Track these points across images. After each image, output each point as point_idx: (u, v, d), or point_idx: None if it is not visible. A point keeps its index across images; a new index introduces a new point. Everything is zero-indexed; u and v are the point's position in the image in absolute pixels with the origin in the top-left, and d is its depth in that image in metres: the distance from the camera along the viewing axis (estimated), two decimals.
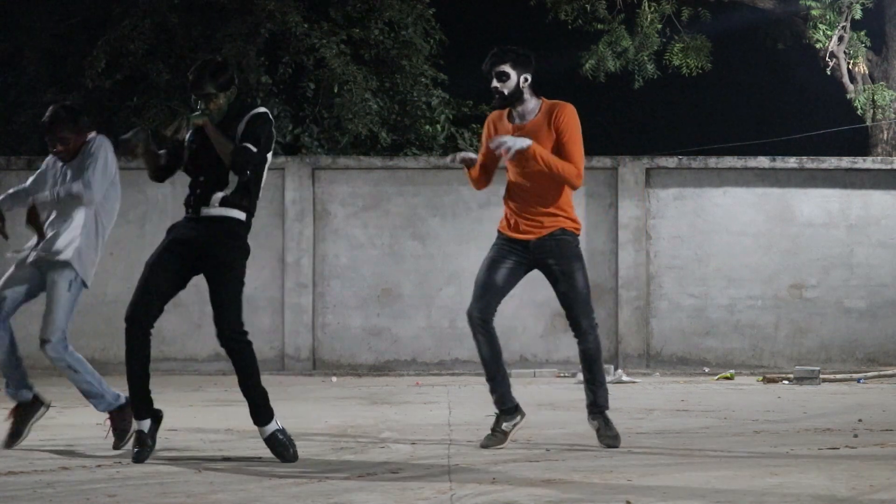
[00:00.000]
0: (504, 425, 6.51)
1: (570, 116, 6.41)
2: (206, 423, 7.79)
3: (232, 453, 6.26)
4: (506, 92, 6.40)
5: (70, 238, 6.47)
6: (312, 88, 15.54)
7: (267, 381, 11.83)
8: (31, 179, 6.77)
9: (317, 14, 15.90)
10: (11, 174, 12.95)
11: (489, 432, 6.54)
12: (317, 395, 10.46)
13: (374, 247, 13.18)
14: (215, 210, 5.96)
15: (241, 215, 6.00)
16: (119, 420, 6.50)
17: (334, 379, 12.23)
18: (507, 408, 6.57)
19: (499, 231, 6.61)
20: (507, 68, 6.39)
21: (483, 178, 6.69)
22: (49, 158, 6.74)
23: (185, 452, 6.26)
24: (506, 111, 6.55)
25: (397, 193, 13.25)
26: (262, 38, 15.12)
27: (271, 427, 5.95)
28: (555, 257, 6.47)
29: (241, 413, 8.47)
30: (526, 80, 6.42)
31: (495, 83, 6.40)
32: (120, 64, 14.71)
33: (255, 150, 5.91)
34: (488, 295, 6.60)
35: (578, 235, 6.57)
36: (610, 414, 6.58)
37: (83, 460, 5.98)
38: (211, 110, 5.96)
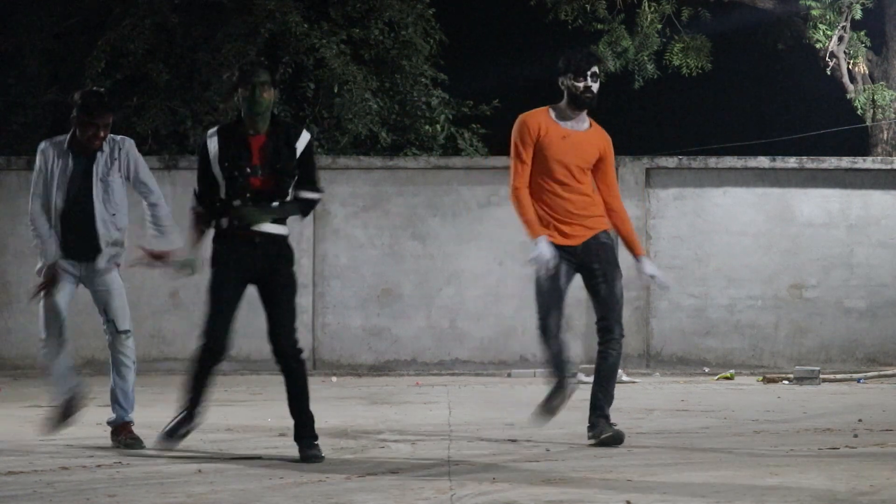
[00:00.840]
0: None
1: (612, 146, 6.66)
2: (206, 422, 7.78)
3: (232, 453, 6.26)
4: (595, 92, 6.45)
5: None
6: (312, 88, 15.54)
7: (267, 380, 11.91)
8: (40, 187, 6.62)
9: (317, 14, 15.89)
10: (11, 174, 12.96)
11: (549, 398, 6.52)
12: (317, 395, 10.40)
13: (374, 247, 13.17)
14: (267, 227, 5.98)
15: (287, 230, 6.07)
16: (131, 430, 6.56)
17: (334, 379, 12.23)
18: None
19: None
20: (598, 70, 6.48)
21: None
22: (46, 158, 6.59)
23: (185, 452, 6.26)
24: (546, 112, 6.52)
25: (397, 193, 13.25)
26: (262, 38, 15.10)
27: (318, 443, 5.99)
28: (600, 262, 6.48)
29: (240, 413, 8.48)
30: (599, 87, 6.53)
31: (589, 82, 6.41)
32: (120, 64, 14.70)
33: (318, 196, 6.08)
34: (561, 300, 6.48)
35: None
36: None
37: (83, 460, 5.98)
38: (265, 99, 5.91)
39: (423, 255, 13.15)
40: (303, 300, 12.96)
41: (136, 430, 6.64)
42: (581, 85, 6.40)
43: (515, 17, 20.19)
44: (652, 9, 17.24)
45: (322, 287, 13.10)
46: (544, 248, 6.34)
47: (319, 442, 6.00)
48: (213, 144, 5.98)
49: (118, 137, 6.69)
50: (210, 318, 6.01)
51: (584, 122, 6.54)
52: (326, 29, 15.52)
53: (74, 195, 6.53)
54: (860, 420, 7.76)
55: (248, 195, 5.91)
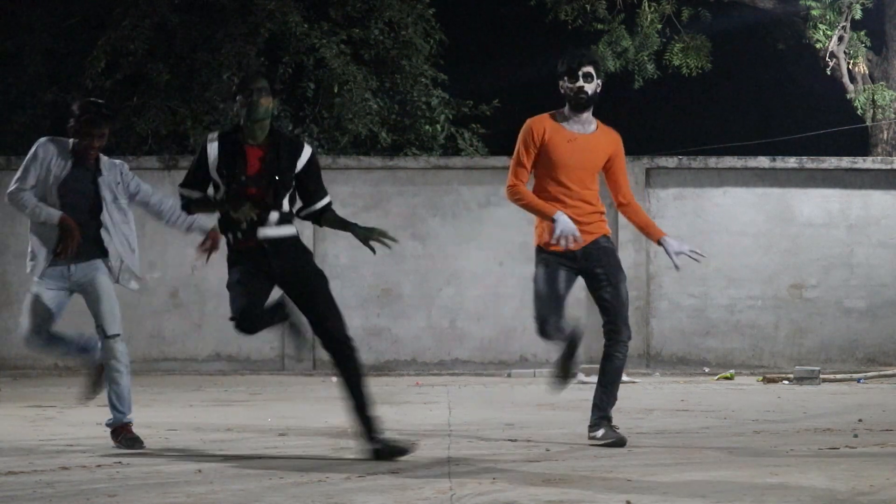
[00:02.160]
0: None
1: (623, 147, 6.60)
2: (206, 423, 7.79)
3: (232, 453, 6.26)
4: (590, 92, 6.38)
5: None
6: (312, 88, 15.52)
7: (267, 380, 11.90)
8: (30, 178, 6.76)
9: (317, 14, 15.88)
10: (11, 174, 12.91)
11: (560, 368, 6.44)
12: (317, 395, 10.47)
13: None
14: (274, 231, 6.01)
15: (294, 229, 6.12)
16: (130, 430, 6.56)
17: (334, 379, 12.21)
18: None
19: (540, 247, 6.47)
20: (593, 70, 6.39)
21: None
22: (46, 152, 6.69)
23: (185, 452, 6.26)
24: (552, 116, 6.49)
25: (397, 193, 13.25)
26: (262, 38, 15.09)
27: (381, 435, 5.93)
28: (602, 266, 6.43)
29: (241, 413, 8.49)
30: (599, 87, 6.45)
31: (581, 82, 6.34)
32: (120, 64, 14.69)
33: (329, 199, 6.50)
34: (560, 306, 6.39)
35: None
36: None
37: (83, 460, 5.98)
38: (263, 106, 5.86)
39: (423, 255, 13.15)
40: None
41: (135, 430, 6.64)
42: (574, 86, 6.36)
43: (515, 17, 20.19)
44: (652, 9, 17.24)
45: None
46: (565, 220, 6.30)
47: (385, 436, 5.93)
48: (213, 150, 5.96)
49: (114, 161, 6.69)
50: (236, 303, 5.99)
51: (590, 125, 6.48)
52: (326, 29, 15.51)
53: (81, 207, 6.54)
54: (860, 420, 7.76)
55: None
